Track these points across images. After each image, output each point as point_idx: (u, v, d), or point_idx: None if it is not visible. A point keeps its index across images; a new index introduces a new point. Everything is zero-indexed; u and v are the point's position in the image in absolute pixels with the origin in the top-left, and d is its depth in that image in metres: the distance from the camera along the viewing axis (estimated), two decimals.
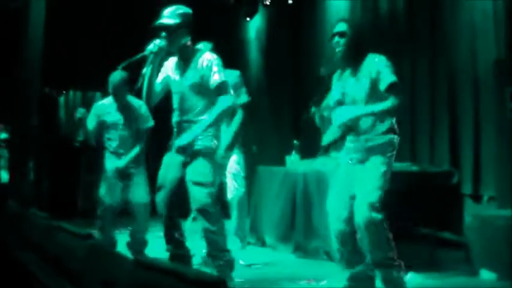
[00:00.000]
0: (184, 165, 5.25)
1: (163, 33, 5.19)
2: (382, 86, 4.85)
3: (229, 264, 5.32)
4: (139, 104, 6.91)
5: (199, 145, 5.21)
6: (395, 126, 4.98)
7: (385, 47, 8.35)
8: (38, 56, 8.75)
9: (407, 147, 7.74)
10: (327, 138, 7.51)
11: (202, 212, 5.16)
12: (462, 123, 7.19)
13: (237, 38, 12.04)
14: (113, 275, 3.24)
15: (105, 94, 7.24)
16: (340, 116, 4.99)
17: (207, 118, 5.20)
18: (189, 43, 5.34)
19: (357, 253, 5.06)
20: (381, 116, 4.92)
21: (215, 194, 5.29)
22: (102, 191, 6.95)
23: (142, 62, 5.26)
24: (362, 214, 4.82)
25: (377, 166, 4.91)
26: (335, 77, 5.27)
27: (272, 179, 7.94)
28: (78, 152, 11.09)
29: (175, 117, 5.37)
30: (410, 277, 5.41)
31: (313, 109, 7.58)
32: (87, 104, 8.74)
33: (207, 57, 5.26)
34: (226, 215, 6.96)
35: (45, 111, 10.65)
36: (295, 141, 8.16)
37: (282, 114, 11.01)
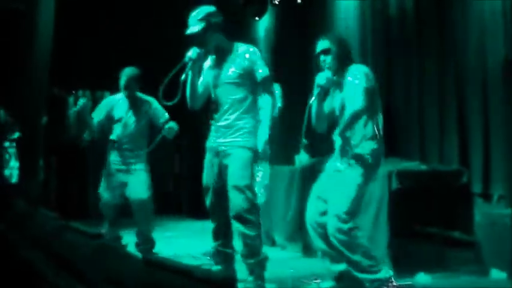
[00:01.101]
0: (223, 167, 5.30)
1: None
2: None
3: (261, 265, 5.37)
4: (150, 100, 6.93)
5: (235, 145, 5.27)
6: (378, 135, 5.02)
7: (393, 47, 8.40)
8: (47, 56, 8.76)
9: (417, 146, 7.72)
10: None
11: (239, 217, 5.20)
12: (471, 122, 7.15)
13: (246, 37, 12.02)
14: (122, 274, 3.24)
15: (114, 93, 7.25)
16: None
17: (265, 115, 5.37)
18: (222, 39, 5.40)
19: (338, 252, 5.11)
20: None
21: (254, 198, 5.30)
22: (102, 187, 6.98)
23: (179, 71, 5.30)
24: (331, 224, 4.96)
25: (354, 177, 4.99)
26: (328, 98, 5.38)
27: (281, 178, 7.95)
28: (87, 151, 11.10)
29: (213, 116, 5.44)
30: (420, 277, 5.40)
31: None
32: (96, 104, 8.73)
33: (248, 49, 5.39)
34: None
35: (54, 111, 10.67)
36: (304, 140, 8.14)
37: (290, 113, 10.98)
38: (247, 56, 5.31)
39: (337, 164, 5.18)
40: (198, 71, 5.38)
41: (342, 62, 5.14)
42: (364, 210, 6.33)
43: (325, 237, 5.11)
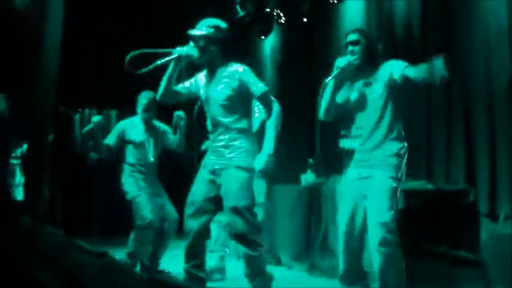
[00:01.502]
0: (217, 185, 5.17)
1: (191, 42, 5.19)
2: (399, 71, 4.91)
3: (267, 284, 5.28)
4: (166, 129, 6.95)
5: (233, 165, 5.13)
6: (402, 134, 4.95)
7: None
8: (54, 74, 8.78)
9: (423, 165, 7.72)
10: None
11: (242, 239, 5.10)
12: (478, 142, 7.16)
13: (252, 56, 12.06)
14: None
15: (121, 112, 7.25)
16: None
17: (269, 132, 5.35)
18: (218, 55, 5.26)
19: (360, 272, 5.03)
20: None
21: (255, 219, 5.18)
22: (147, 211, 6.82)
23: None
24: (376, 236, 4.78)
25: (387, 183, 4.85)
26: (345, 88, 5.21)
27: (287, 197, 7.94)
28: (93, 169, 11.11)
29: (209, 136, 5.37)
30: None
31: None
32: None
33: (237, 70, 5.20)
34: None
35: (60, 129, 10.69)
36: (310, 160, 8.15)
37: (296, 132, 11.00)
38: (237, 76, 5.15)
39: (361, 170, 4.98)
40: (178, 69, 5.26)
41: (370, 55, 5.07)
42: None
43: (355, 252, 4.99)
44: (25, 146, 10.84)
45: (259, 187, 6.82)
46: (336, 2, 9.88)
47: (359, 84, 5.07)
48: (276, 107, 5.19)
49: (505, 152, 6.80)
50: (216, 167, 5.18)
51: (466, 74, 7.36)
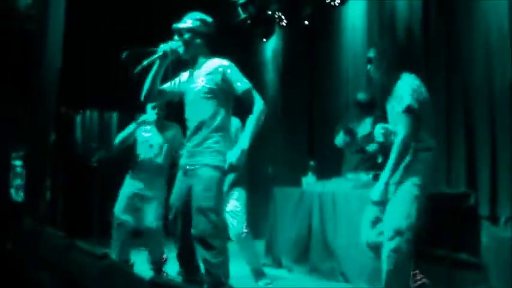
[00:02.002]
0: (190, 187, 5.02)
1: (176, 37, 5.11)
2: (398, 109, 4.85)
3: None
4: (177, 126, 6.92)
5: (202, 164, 4.99)
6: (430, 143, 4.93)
7: (400, 69, 8.41)
8: (55, 76, 8.79)
9: None
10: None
11: (202, 241, 4.88)
12: (479, 145, 7.16)
13: (254, 59, 12.06)
14: None
15: (122, 113, 7.23)
16: (374, 193, 4.93)
17: (247, 127, 4.99)
18: (202, 51, 5.17)
19: None
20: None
21: (219, 222, 4.97)
22: (118, 208, 6.91)
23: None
24: (389, 242, 4.80)
25: (408, 189, 4.84)
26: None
27: (288, 200, 7.93)
28: (95, 171, 11.11)
29: (187, 134, 5.19)
30: None
31: (338, 129, 7.58)
32: (104, 124, 8.73)
33: (221, 63, 5.08)
34: None
35: (61, 131, 10.69)
36: (311, 162, 8.15)
37: (298, 135, 11.00)
38: (221, 70, 5.02)
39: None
40: (164, 66, 5.12)
41: (382, 71, 5.09)
42: None
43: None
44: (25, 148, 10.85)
45: (240, 194, 6.79)
46: (337, 4, 9.87)
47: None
48: (260, 104, 4.99)
49: (506, 155, 6.80)
50: (187, 168, 5.06)
51: (467, 76, 7.37)
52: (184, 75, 5.29)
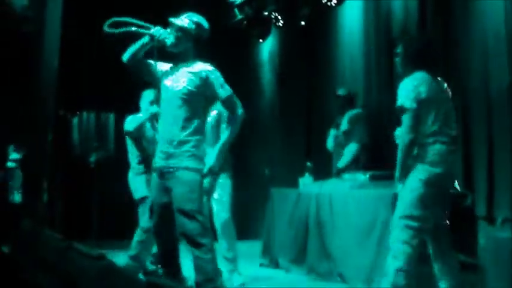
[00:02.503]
0: (168, 189, 5.04)
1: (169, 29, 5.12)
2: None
3: None
4: None
5: (180, 167, 4.99)
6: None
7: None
8: (53, 78, 8.79)
9: None
10: (342, 161, 7.51)
11: (191, 241, 4.93)
12: (476, 145, 7.16)
13: (250, 59, 12.07)
14: None
15: (119, 115, 7.19)
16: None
17: (225, 133, 5.09)
18: (190, 52, 5.18)
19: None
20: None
21: (205, 221, 5.02)
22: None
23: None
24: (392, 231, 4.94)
25: (411, 180, 4.92)
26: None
27: (285, 200, 7.95)
28: (93, 172, 11.12)
29: (159, 134, 5.21)
30: None
31: (331, 132, 7.61)
32: (101, 126, 8.73)
33: (205, 68, 5.09)
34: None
35: (59, 132, 10.69)
36: (308, 163, 8.16)
37: (295, 136, 11.01)
38: (204, 74, 5.04)
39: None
40: (146, 47, 5.13)
41: (407, 65, 5.14)
42: (367, 233, 6.34)
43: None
44: (10, 148, 10.84)
45: (225, 183, 6.79)
46: (334, 5, 9.87)
47: None
48: (239, 112, 5.01)
49: (503, 155, 6.80)
50: (164, 170, 5.05)
51: (464, 77, 7.37)
52: (164, 66, 5.29)
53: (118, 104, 6.99)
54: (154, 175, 5.17)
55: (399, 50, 5.19)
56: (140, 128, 6.87)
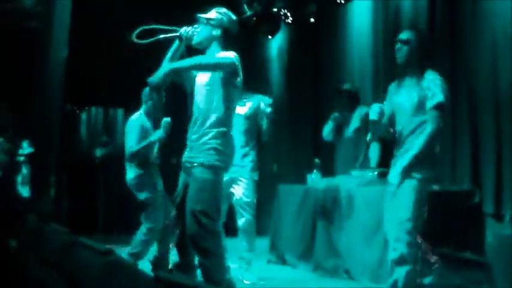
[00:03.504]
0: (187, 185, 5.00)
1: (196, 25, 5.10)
2: (429, 104, 4.82)
3: None
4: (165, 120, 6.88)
5: (196, 163, 4.92)
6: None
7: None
8: (61, 73, 8.80)
9: None
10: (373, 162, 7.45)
11: (193, 243, 4.86)
12: (483, 143, 7.15)
13: (259, 56, 12.06)
14: None
15: (127, 111, 7.17)
16: (395, 175, 4.97)
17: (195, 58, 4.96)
18: (217, 45, 5.12)
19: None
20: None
21: (211, 224, 4.87)
22: (161, 215, 6.79)
23: None
24: (392, 232, 4.90)
25: (409, 192, 4.88)
26: (390, 89, 5.24)
27: (292, 197, 7.94)
28: (99, 167, 11.14)
29: (191, 127, 5.10)
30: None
31: (330, 123, 7.56)
32: (109, 121, 8.74)
33: (229, 55, 5.00)
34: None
35: (66, 128, 10.71)
36: (316, 160, 8.14)
37: (303, 132, 10.99)
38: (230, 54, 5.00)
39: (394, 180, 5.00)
40: (179, 51, 5.11)
41: (416, 58, 5.01)
42: (374, 230, 6.32)
43: None
44: (25, 144, 10.85)
45: (247, 185, 6.76)
46: (343, 2, 9.86)
47: (405, 86, 5.07)
48: (230, 60, 4.96)
49: (511, 152, 6.79)
50: (186, 165, 5.02)
51: (472, 75, 7.35)
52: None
53: (127, 100, 6.96)
54: (182, 169, 5.15)
55: (411, 37, 5.04)
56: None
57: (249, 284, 6.60)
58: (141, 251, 6.75)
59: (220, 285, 4.92)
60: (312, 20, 10.55)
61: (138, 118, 6.88)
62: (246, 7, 10.95)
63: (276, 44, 11.82)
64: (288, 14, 11.00)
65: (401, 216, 4.84)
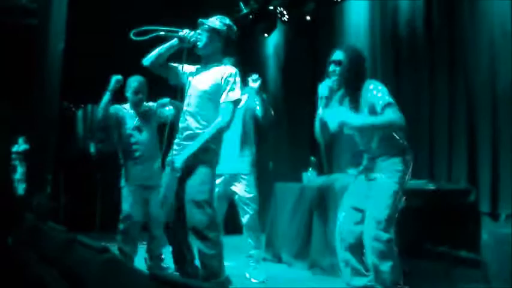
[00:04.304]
0: (181, 180, 5.13)
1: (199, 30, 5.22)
2: (378, 109, 4.85)
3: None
4: (152, 107, 6.88)
5: (194, 159, 5.08)
6: (405, 146, 4.98)
7: (404, 67, 8.43)
8: (57, 71, 8.80)
9: (425, 164, 7.72)
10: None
11: (197, 233, 5.00)
12: (480, 141, 7.16)
13: (255, 54, 12.06)
14: None
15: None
16: (333, 118, 4.98)
17: (204, 134, 5.11)
18: (218, 53, 5.32)
19: (361, 266, 5.06)
20: (386, 133, 4.93)
21: (214, 215, 5.11)
22: (127, 205, 6.82)
23: None
24: (369, 231, 4.85)
25: (388, 185, 4.91)
26: (335, 98, 5.24)
27: (288, 195, 7.95)
28: (95, 165, 11.13)
29: (180, 126, 5.27)
30: None
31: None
32: (105, 118, 8.71)
33: (228, 70, 5.20)
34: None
35: (63, 125, 10.70)
36: (312, 158, 8.15)
37: (299, 130, 11.00)
38: (226, 75, 5.17)
39: (368, 173, 5.08)
40: (174, 48, 5.27)
41: (351, 78, 5.04)
42: None
43: (353, 247, 5.04)
44: (20, 141, 10.86)
45: (249, 181, 6.77)
46: (339, 0, 9.88)
47: (346, 104, 5.11)
48: (223, 121, 5.07)
49: (508, 151, 6.80)
50: (179, 165, 5.11)
51: (470, 73, 7.36)
52: (190, 69, 5.39)
53: (122, 97, 6.97)
54: (167, 168, 5.28)
55: (343, 58, 5.11)
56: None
57: (256, 282, 6.60)
58: (120, 244, 6.80)
59: (219, 277, 5.06)
60: (309, 18, 10.57)
61: (116, 106, 7.00)
62: (242, 5, 10.97)
63: (272, 42, 11.83)
64: (285, 12, 11.01)
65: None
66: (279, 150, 11.17)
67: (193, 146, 5.06)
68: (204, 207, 4.99)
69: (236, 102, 5.20)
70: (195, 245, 5.09)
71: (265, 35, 11.65)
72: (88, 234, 6.43)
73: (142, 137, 6.88)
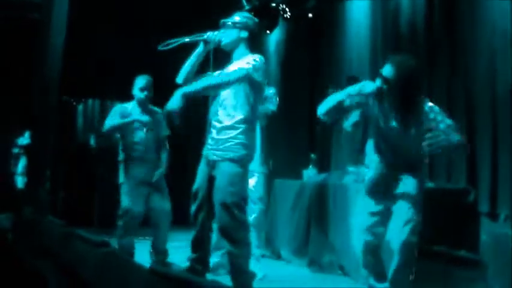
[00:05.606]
0: (213, 178, 5.11)
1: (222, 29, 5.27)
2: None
3: (248, 285, 5.14)
4: (159, 111, 6.90)
5: (224, 157, 5.04)
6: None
7: None
8: (58, 64, 8.79)
9: (425, 164, 7.72)
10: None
11: (226, 234, 5.04)
12: (479, 141, 7.15)
13: (256, 50, 12.03)
14: (128, 283, 3.25)
15: (124, 103, 7.17)
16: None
17: (205, 79, 5.13)
18: (242, 46, 5.35)
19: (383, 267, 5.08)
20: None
21: (243, 216, 5.07)
22: (127, 200, 6.83)
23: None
24: (399, 235, 4.85)
25: (414, 186, 4.93)
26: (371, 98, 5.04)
27: (288, 192, 7.95)
28: (95, 159, 11.13)
29: (210, 122, 5.25)
30: None
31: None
32: (105, 113, 8.72)
33: (254, 56, 5.24)
34: None
35: (63, 120, 10.70)
36: (312, 155, 8.15)
37: (299, 127, 11.00)
38: (247, 60, 5.18)
39: (392, 172, 5.04)
40: (203, 53, 5.29)
41: (400, 98, 4.86)
42: None
43: (376, 251, 5.05)
44: (27, 134, 10.86)
45: (258, 180, 6.78)
46: None
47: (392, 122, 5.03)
48: (229, 77, 5.07)
49: (507, 152, 6.79)
50: (210, 158, 5.13)
51: (470, 73, 7.36)
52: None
53: (123, 92, 6.98)
54: (202, 162, 5.27)
55: (389, 75, 4.87)
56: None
57: (255, 279, 6.62)
58: (119, 239, 6.81)
59: (248, 274, 5.14)
60: (311, 15, 10.56)
61: (121, 105, 7.03)
62: (244, 2, 10.94)
63: (274, 39, 11.81)
64: (287, 9, 10.99)
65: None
66: (279, 147, 11.15)
67: (184, 89, 5.02)
68: (232, 209, 4.95)
69: (247, 72, 5.10)
70: (224, 244, 5.15)
71: (267, 31, 11.63)
72: (87, 229, 6.43)
73: (145, 135, 6.90)
